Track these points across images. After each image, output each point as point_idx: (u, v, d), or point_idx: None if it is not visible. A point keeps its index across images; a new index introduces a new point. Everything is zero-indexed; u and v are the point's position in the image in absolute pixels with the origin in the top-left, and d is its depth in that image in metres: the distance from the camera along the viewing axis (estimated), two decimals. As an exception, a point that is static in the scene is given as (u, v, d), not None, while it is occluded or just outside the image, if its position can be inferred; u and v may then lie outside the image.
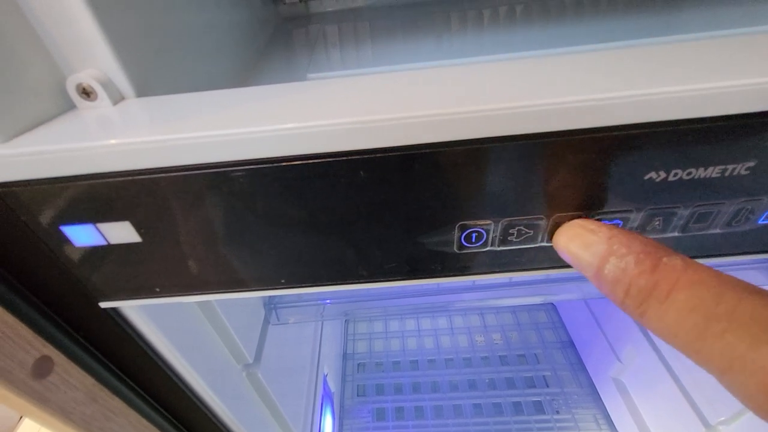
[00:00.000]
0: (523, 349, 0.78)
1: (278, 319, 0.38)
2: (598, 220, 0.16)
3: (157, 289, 0.18)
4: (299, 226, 0.16)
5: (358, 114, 0.13)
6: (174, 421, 0.28)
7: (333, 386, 0.69)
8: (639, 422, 0.59)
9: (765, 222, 0.16)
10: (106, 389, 0.22)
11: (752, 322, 0.10)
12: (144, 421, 0.25)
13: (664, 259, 0.12)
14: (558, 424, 0.66)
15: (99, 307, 0.19)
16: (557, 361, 0.75)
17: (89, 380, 0.21)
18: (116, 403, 0.23)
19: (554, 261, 0.18)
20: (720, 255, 0.18)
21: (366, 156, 0.14)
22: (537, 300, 0.63)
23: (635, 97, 0.13)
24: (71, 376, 0.21)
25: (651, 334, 0.56)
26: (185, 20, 0.22)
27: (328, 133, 0.14)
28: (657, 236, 0.17)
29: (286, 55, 0.34)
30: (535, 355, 0.77)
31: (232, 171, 0.14)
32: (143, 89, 0.17)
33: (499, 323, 0.83)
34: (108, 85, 0.16)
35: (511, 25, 0.39)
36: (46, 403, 0.20)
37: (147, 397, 0.26)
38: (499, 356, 0.77)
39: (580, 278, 0.50)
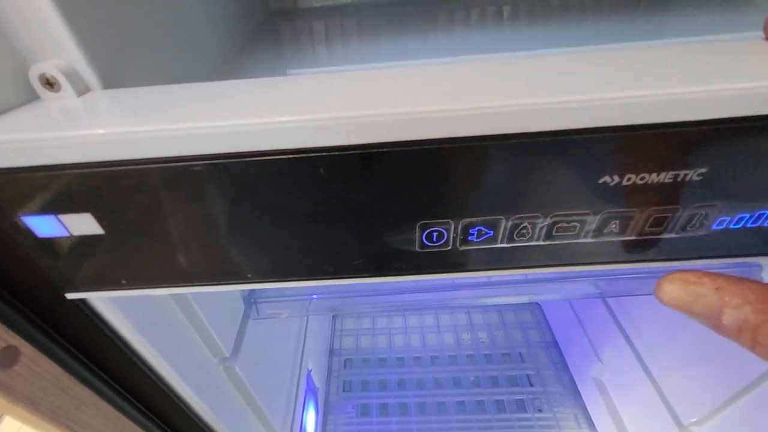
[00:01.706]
0: (508, 348, 0.79)
1: (258, 314, 0.38)
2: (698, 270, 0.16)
3: (123, 282, 0.18)
4: (262, 222, 0.16)
5: (316, 111, 0.14)
6: (147, 412, 0.28)
7: (318, 382, 0.69)
8: (617, 422, 0.60)
9: (719, 227, 0.17)
10: (75, 379, 0.22)
11: None
12: (115, 412, 0.26)
13: None
14: (539, 423, 0.67)
15: (65, 298, 0.19)
16: (541, 360, 0.76)
17: (57, 370, 0.21)
18: (86, 393, 0.23)
19: (517, 262, 0.18)
20: (676, 259, 0.18)
21: (324, 154, 0.14)
22: (522, 299, 0.63)
23: (584, 102, 0.13)
24: (38, 366, 0.21)
25: (627, 332, 0.56)
26: (160, 11, 0.22)
27: (286, 130, 0.14)
28: (614, 239, 0.17)
29: (270, 50, 0.34)
30: (520, 354, 0.78)
31: (191, 165, 0.14)
32: (110, 81, 0.17)
33: (486, 322, 0.84)
34: (72, 75, 0.16)
35: (498, 25, 0.39)
36: (12, 392, 0.20)
37: (118, 387, 0.26)
38: (484, 355, 0.78)
39: (563, 278, 0.51)
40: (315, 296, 0.48)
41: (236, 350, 0.35)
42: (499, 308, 0.86)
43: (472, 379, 0.74)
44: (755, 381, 0.37)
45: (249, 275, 0.18)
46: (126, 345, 0.24)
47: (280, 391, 0.48)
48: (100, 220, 0.16)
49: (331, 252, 0.17)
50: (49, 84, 0.16)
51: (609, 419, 0.61)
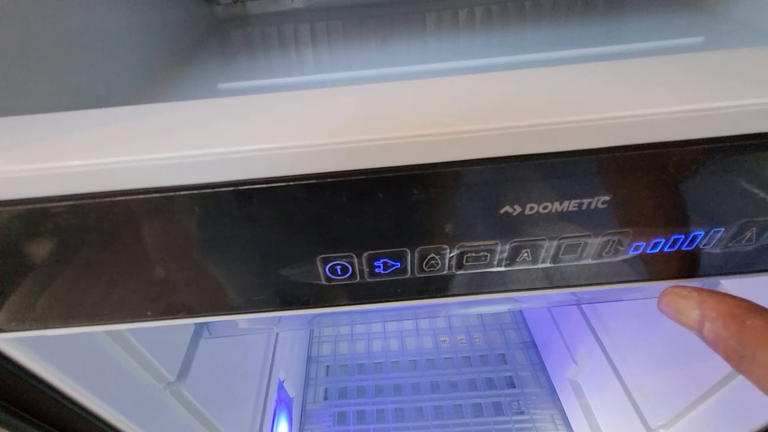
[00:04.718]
0: (487, 350, 0.78)
1: (210, 333, 0.37)
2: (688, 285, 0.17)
3: (14, 325, 0.17)
4: (146, 261, 0.15)
5: (187, 148, 0.13)
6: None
7: (294, 391, 0.68)
8: (592, 423, 0.60)
9: (636, 253, 0.16)
10: (-15, 422, 0.21)
11: None
12: (40, 450, 0.24)
13: (748, 322, 0.14)
14: (516, 425, 0.67)
15: (-43, 340, 0.18)
16: (519, 362, 0.76)
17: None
18: (1, 433, 0.22)
19: (432, 292, 0.17)
20: (598, 284, 0.17)
21: (197, 191, 0.13)
22: (503, 308, 0.63)
23: (474, 133, 0.12)
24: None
25: (599, 335, 0.56)
26: (61, 24, 0.20)
27: (155, 168, 0.13)
28: (528, 267, 0.16)
29: (209, 61, 0.32)
30: (498, 355, 0.77)
31: (52, 207, 0.13)
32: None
33: (465, 324, 0.83)
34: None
35: (455, 33, 0.38)
36: None
37: (45, 426, 0.24)
38: (463, 357, 0.77)
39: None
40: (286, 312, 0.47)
41: (184, 372, 0.34)
42: (479, 310, 0.85)
43: (450, 382, 0.74)
44: (715, 386, 0.37)
45: (149, 313, 0.17)
46: (45, 384, 0.23)
47: (243, 406, 0.47)
48: (-33, 264, 0.14)
49: (232, 288, 0.16)
50: None
51: (584, 421, 0.61)
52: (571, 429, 0.64)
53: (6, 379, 0.21)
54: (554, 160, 0.13)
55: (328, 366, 0.79)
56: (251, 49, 0.35)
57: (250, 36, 0.38)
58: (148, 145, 0.13)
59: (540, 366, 0.74)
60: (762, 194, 0.14)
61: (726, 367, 0.39)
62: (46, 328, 0.17)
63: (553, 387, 0.70)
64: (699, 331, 0.15)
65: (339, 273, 0.16)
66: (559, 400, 0.68)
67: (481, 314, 0.85)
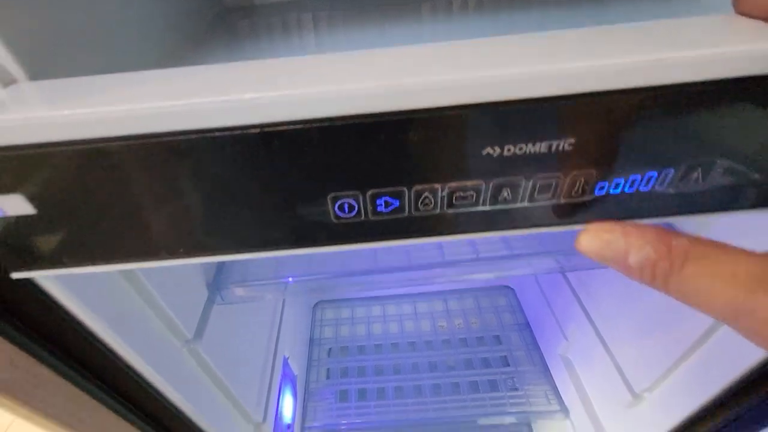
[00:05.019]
0: (483, 332, 0.81)
1: (223, 300, 0.39)
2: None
3: (64, 260, 0.20)
4: (179, 200, 0.17)
5: (216, 93, 0.15)
6: (109, 390, 0.30)
7: (297, 370, 0.71)
8: (583, 396, 0.63)
9: (601, 193, 0.19)
10: (29, 357, 0.24)
11: (747, 278, 0.13)
12: (75, 389, 0.27)
13: (674, 242, 0.15)
14: (511, 401, 0.70)
15: (11, 278, 0.20)
16: (513, 342, 0.78)
17: (6, 346, 0.22)
18: (41, 370, 0.25)
19: (428, 230, 0.20)
20: (570, 223, 0.20)
21: (226, 133, 0.16)
22: (489, 276, 0.65)
23: (461, 81, 0.15)
24: (-13, 344, 0.22)
25: (585, 306, 0.59)
26: (90, 7, 0.23)
27: (192, 111, 0.15)
28: (509, 206, 0.19)
29: (219, 47, 0.35)
30: (494, 336, 0.80)
31: (109, 145, 0.16)
32: (38, 74, 0.18)
33: (461, 308, 0.86)
34: (-4, 67, 0.17)
35: (449, 19, 0.41)
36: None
37: (78, 367, 0.27)
38: (459, 339, 0.80)
39: (528, 255, 0.52)
40: (291, 279, 0.50)
41: (199, 333, 0.36)
42: (475, 294, 0.88)
43: (450, 360, 0.76)
44: (692, 346, 0.40)
45: (182, 250, 0.20)
46: (81, 325, 0.25)
47: (252, 375, 0.50)
48: (31, 199, 0.17)
49: (251, 227, 0.19)
50: (-24, 75, 0.17)
51: (575, 394, 0.64)
52: (563, 402, 0.67)
53: (50, 320, 0.24)
54: (523, 106, 0.15)
55: (330, 348, 0.82)
56: (257, 37, 0.38)
57: (258, 25, 0.40)
58: (187, 93, 0.15)
59: (533, 345, 0.77)
60: (702, 137, 0.17)
61: (703, 327, 0.41)
62: (97, 263, 0.19)
63: (546, 364, 0.73)
64: (623, 262, 0.16)
65: (346, 211, 0.19)
66: (551, 375, 0.71)
67: (477, 298, 0.87)
